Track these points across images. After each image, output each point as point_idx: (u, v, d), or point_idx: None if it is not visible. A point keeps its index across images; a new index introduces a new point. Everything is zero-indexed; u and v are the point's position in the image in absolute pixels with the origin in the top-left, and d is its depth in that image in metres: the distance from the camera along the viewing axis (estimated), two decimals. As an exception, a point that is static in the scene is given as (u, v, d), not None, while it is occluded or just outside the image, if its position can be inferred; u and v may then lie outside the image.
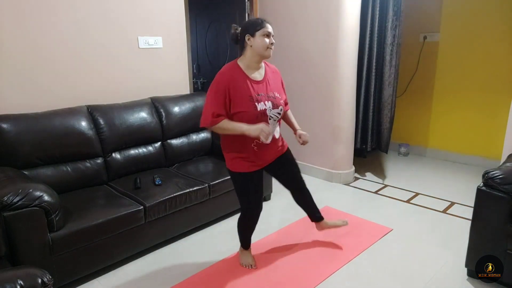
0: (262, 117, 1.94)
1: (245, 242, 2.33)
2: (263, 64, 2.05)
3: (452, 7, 3.92)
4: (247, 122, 1.90)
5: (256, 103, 1.93)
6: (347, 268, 2.30)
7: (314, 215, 2.48)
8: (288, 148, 2.26)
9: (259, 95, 1.95)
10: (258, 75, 2.00)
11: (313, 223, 2.53)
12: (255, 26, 1.91)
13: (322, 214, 2.50)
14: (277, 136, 2.10)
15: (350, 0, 3.26)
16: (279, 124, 2.12)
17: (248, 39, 1.92)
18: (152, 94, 3.18)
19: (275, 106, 2.01)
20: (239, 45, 2.00)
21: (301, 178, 2.35)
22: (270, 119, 1.99)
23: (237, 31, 1.98)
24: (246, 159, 2.03)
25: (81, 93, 2.80)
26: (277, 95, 2.04)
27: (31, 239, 1.86)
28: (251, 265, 2.30)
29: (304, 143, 2.17)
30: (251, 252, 2.37)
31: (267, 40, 1.91)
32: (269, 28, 1.93)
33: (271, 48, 1.94)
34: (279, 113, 2.05)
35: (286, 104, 2.20)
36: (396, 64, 3.53)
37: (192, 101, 3.22)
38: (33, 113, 2.42)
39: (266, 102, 1.96)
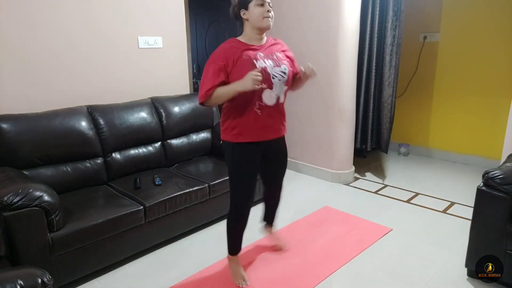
0: (263, 75, 1.78)
1: (236, 243, 2.16)
2: (265, 37, 1.96)
3: (452, 7, 3.92)
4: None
5: (255, 61, 1.83)
6: (346, 268, 2.30)
7: (269, 217, 2.43)
8: (285, 145, 2.17)
9: (257, 54, 1.86)
10: (257, 43, 1.92)
11: (266, 224, 2.48)
12: None
13: (321, 214, 2.50)
14: (281, 99, 1.96)
15: (350, 0, 3.26)
16: (287, 88, 1.97)
17: (243, 13, 1.85)
18: (152, 94, 3.18)
19: (276, 64, 1.88)
20: (238, 23, 1.94)
21: (281, 184, 2.29)
22: (273, 78, 1.86)
23: (235, 8, 1.90)
24: (247, 128, 1.90)
25: (81, 93, 2.80)
26: (279, 55, 1.93)
27: (31, 239, 1.86)
28: (244, 281, 2.11)
29: (308, 73, 1.94)
30: (242, 265, 2.21)
31: (262, 9, 1.81)
32: None
33: (268, 17, 1.83)
34: (284, 72, 1.90)
35: (295, 74, 2.02)
36: (396, 64, 3.53)
37: (192, 101, 3.22)
38: (33, 113, 2.42)
39: (265, 60, 1.86)
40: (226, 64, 1.83)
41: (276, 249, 2.45)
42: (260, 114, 1.89)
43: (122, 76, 3.04)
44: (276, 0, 3.77)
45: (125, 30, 2.98)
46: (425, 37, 4.15)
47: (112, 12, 2.88)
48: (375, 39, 3.62)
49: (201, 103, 1.88)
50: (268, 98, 1.89)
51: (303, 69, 1.94)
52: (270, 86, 1.87)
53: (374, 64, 3.69)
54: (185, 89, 3.51)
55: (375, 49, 3.65)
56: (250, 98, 1.86)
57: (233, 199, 2.05)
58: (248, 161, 1.98)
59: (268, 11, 1.83)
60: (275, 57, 1.92)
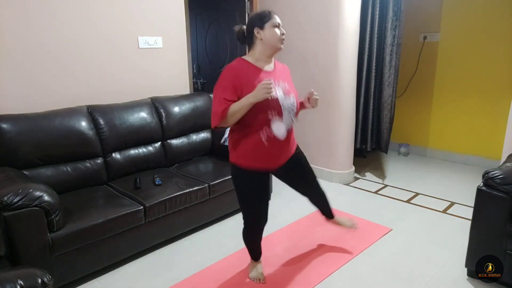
0: (275, 105, 1.79)
1: (254, 252, 2.21)
2: (273, 60, 1.94)
3: (452, 7, 3.92)
4: (257, 112, 1.77)
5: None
6: (346, 268, 2.30)
7: (327, 213, 2.44)
8: (300, 151, 2.13)
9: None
10: (268, 67, 1.89)
11: (328, 218, 2.49)
12: (263, 17, 1.81)
13: (322, 214, 2.49)
14: (289, 130, 1.93)
15: (350, 0, 3.26)
16: (296, 118, 1.95)
17: (258, 32, 1.81)
18: (152, 94, 3.18)
19: (286, 93, 1.86)
20: (247, 42, 1.89)
21: (317, 184, 2.26)
22: (284, 109, 1.84)
23: (243, 29, 1.89)
24: (255, 157, 1.87)
25: (81, 93, 2.80)
26: (287, 85, 1.91)
27: (31, 239, 1.86)
28: (260, 279, 2.16)
29: (312, 102, 1.96)
30: (262, 265, 2.25)
31: (277, 30, 1.81)
32: (278, 19, 1.83)
33: (283, 39, 1.84)
34: (293, 104, 1.88)
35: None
36: (396, 64, 3.53)
37: (192, 101, 3.22)
38: (33, 113, 2.42)
39: (277, 90, 1.82)
40: (235, 87, 1.78)
41: (347, 229, 2.54)
42: (267, 145, 1.84)
43: (122, 76, 3.04)
44: (276, 0, 3.78)
45: (125, 30, 2.98)
46: (425, 37, 4.15)
47: (112, 12, 2.88)
48: (375, 39, 3.62)
49: (215, 127, 1.82)
50: (278, 129, 1.84)
51: (311, 96, 1.96)
52: (280, 116, 1.84)
53: (374, 64, 3.69)
54: (185, 89, 3.52)
55: (375, 49, 3.64)
56: (258, 126, 1.81)
57: (245, 219, 2.06)
58: (254, 186, 1.96)
59: (283, 34, 1.84)
60: (285, 87, 1.88)
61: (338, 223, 2.49)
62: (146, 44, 3.14)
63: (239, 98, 1.77)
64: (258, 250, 2.21)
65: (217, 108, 1.76)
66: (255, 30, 1.83)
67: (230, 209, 2.92)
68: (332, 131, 3.60)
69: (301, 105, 2.02)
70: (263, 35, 1.82)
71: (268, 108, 1.79)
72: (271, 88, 1.69)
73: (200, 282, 2.19)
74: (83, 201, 2.32)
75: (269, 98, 1.73)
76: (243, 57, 1.89)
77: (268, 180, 2.01)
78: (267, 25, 1.81)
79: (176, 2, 3.30)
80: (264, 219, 2.06)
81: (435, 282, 2.15)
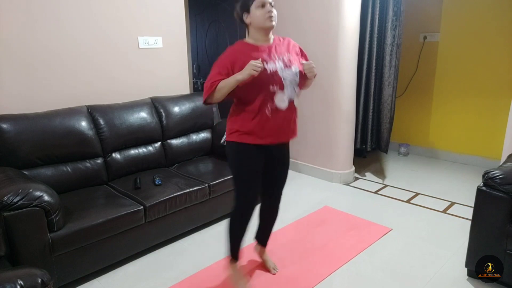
0: (274, 78, 1.78)
1: (235, 249, 2.09)
2: (272, 36, 1.90)
3: (452, 7, 3.92)
4: (259, 88, 1.77)
5: (265, 63, 1.78)
6: (346, 267, 2.30)
7: (263, 238, 2.28)
8: (288, 148, 2.08)
9: (266, 56, 1.82)
10: (265, 44, 1.87)
11: (258, 244, 2.32)
12: (248, 0, 1.80)
13: (321, 214, 2.48)
14: (294, 101, 1.91)
15: (350, 0, 3.27)
16: (299, 89, 1.91)
17: (246, 17, 1.83)
18: (152, 94, 3.18)
19: (287, 66, 1.84)
20: (244, 26, 1.91)
21: (280, 194, 2.14)
22: (284, 80, 1.82)
23: (238, 12, 1.89)
24: (255, 130, 1.84)
25: (81, 93, 2.81)
26: (288, 56, 1.88)
27: (31, 239, 1.86)
28: (246, 286, 2.07)
29: (306, 71, 1.88)
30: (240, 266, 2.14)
31: (263, 10, 1.78)
32: None
33: (271, 17, 1.78)
34: (295, 74, 1.85)
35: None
36: (396, 64, 3.53)
37: (192, 101, 3.22)
38: (33, 113, 2.42)
39: (275, 62, 1.81)
40: (233, 67, 1.79)
41: (265, 267, 2.30)
42: (270, 117, 1.83)
43: (122, 76, 3.04)
44: (276, 0, 3.78)
45: (125, 30, 2.98)
46: (425, 37, 4.15)
47: (112, 12, 2.88)
48: (375, 39, 3.62)
49: (205, 101, 1.85)
50: (281, 100, 1.84)
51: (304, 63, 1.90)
52: (282, 89, 1.83)
53: (374, 64, 3.69)
54: (185, 89, 3.51)
55: (375, 49, 3.65)
56: (260, 100, 1.81)
57: (238, 199, 2.00)
58: (253, 162, 1.93)
59: (269, 11, 1.79)
60: (285, 58, 1.87)
61: (263, 258, 2.32)
62: (146, 44, 3.14)
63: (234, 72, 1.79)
64: (241, 245, 2.09)
65: (207, 83, 1.81)
66: (244, 16, 1.85)
67: (230, 209, 2.90)
68: (332, 131, 3.60)
69: (305, 76, 1.96)
70: (251, 19, 1.82)
71: (269, 82, 1.78)
72: (258, 66, 1.69)
73: (200, 282, 2.19)
74: (83, 201, 2.32)
75: (255, 75, 1.71)
76: (244, 39, 1.92)
77: (263, 157, 1.95)
78: (253, 7, 1.80)
79: (176, 2, 3.30)
80: (256, 202, 2.02)
81: (435, 282, 2.15)
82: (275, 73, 1.80)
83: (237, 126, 1.89)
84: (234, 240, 2.08)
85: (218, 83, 1.78)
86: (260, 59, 1.77)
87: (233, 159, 1.96)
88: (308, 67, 1.87)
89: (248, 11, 1.82)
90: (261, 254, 2.32)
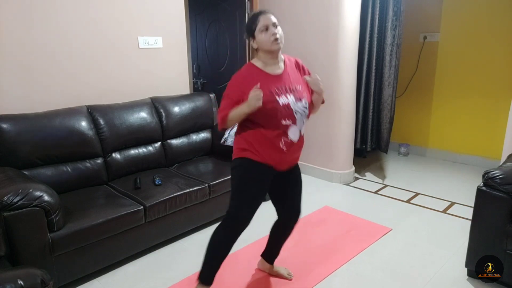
0: (286, 111, 1.76)
1: (212, 271, 1.91)
2: (282, 57, 1.87)
3: (452, 7, 3.92)
4: (270, 119, 1.75)
5: (277, 97, 1.75)
6: (346, 267, 2.30)
7: (272, 255, 2.21)
8: (298, 167, 2.05)
9: (278, 88, 1.78)
10: (277, 70, 1.83)
11: (266, 262, 2.25)
12: (251, 26, 1.78)
13: (321, 214, 2.48)
14: (302, 132, 1.91)
15: (350, 0, 3.26)
16: (307, 119, 1.91)
17: (252, 41, 1.80)
18: (152, 94, 3.18)
19: (298, 99, 1.82)
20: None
21: (300, 207, 2.09)
22: (296, 114, 1.80)
23: (245, 38, 1.88)
24: (268, 157, 1.81)
25: (81, 93, 2.81)
26: (298, 87, 1.85)
27: (31, 239, 1.86)
28: None
29: (311, 83, 1.88)
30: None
31: (267, 34, 1.74)
32: (266, 19, 1.74)
33: (276, 39, 1.74)
34: (305, 107, 1.85)
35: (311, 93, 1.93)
36: (396, 64, 3.53)
37: (192, 101, 3.22)
38: (33, 113, 2.42)
39: (287, 95, 1.78)
40: (244, 93, 1.74)
41: (282, 277, 2.24)
42: (285, 150, 1.82)
43: (122, 76, 3.04)
44: (276, 0, 3.78)
45: (125, 30, 2.98)
46: (425, 37, 4.15)
47: (112, 12, 2.88)
48: (375, 39, 3.62)
49: (221, 129, 1.89)
50: (294, 133, 1.83)
51: (308, 79, 1.89)
52: (294, 122, 1.81)
53: (374, 64, 3.69)
54: (185, 89, 3.51)
55: (375, 49, 3.65)
56: (274, 135, 1.79)
57: (235, 213, 1.88)
58: (259, 180, 1.87)
59: (273, 34, 1.74)
60: (296, 90, 1.83)
61: (273, 271, 2.25)
62: (146, 44, 3.14)
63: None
64: (217, 270, 1.94)
65: (219, 114, 1.82)
66: (250, 40, 1.83)
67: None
68: (332, 131, 3.61)
69: (311, 104, 1.95)
70: (257, 44, 1.80)
71: (282, 116, 1.76)
72: (260, 95, 1.67)
73: (200, 282, 2.18)
74: (83, 201, 2.32)
75: (261, 105, 1.69)
76: (253, 61, 1.87)
77: (270, 180, 1.91)
78: (257, 31, 1.77)
79: (176, 2, 3.30)
80: (249, 222, 1.89)
81: (435, 282, 2.15)
82: (287, 107, 1.78)
83: (251, 148, 1.83)
84: (214, 259, 1.92)
85: (228, 115, 1.78)
86: (258, 85, 1.73)
87: (242, 172, 1.88)
88: (313, 82, 1.86)
89: (253, 36, 1.79)
90: (270, 270, 2.25)
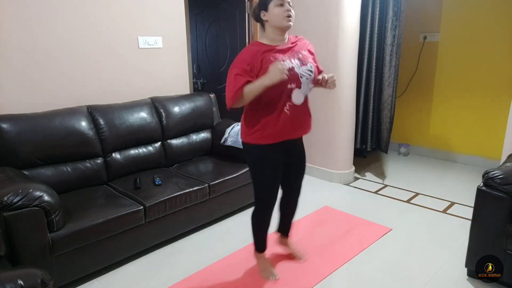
0: (292, 75, 1.79)
1: (261, 242, 2.17)
2: (287, 36, 1.92)
3: (452, 7, 3.92)
4: (278, 86, 1.76)
5: (282, 61, 1.80)
6: (346, 267, 2.30)
7: (284, 228, 2.37)
8: (302, 143, 2.13)
9: (283, 55, 1.84)
10: (282, 45, 1.89)
11: (282, 236, 2.41)
12: None
13: (321, 214, 2.49)
14: (308, 97, 1.95)
15: (350, 0, 3.26)
16: (312, 85, 1.96)
17: (264, 15, 1.82)
18: (152, 94, 3.18)
19: (303, 63, 1.87)
20: (260, 24, 1.91)
21: (300, 186, 2.22)
22: (301, 77, 1.84)
23: (256, 10, 1.88)
24: (274, 129, 1.86)
25: (81, 93, 2.80)
26: (304, 53, 1.92)
27: (31, 239, 1.86)
28: (274, 276, 2.13)
29: (329, 83, 1.95)
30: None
31: (282, 9, 1.78)
32: None
33: (289, 16, 1.80)
34: (311, 71, 1.89)
35: (318, 70, 2.02)
36: (396, 64, 3.53)
37: (192, 101, 3.22)
38: (33, 113, 2.42)
39: (292, 60, 1.84)
40: (252, 68, 1.79)
41: (293, 257, 2.38)
42: (289, 114, 1.86)
43: (122, 77, 3.04)
44: (276, 0, 3.78)
45: (125, 30, 2.98)
46: (425, 37, 4.15)
47: (112, 12, 2.88)
48: (375, 39, 3.62)
49: (230, 107, 1.83)
50: (297, 97, 1.87)
51: (326, 77, 1.94)
52: (299, 86, 1.85)
53: (374, 64, 3.69)
54: (185, 89, 3.51)
55: (375, 49, 3.65)
56: (279, 99, 1.83)
57: (258, 199, 2.05)
58: (273, 162, 1.96)
59: (288, 10, 1.80)
60: (300, 55, 1.90)
61: (289, 248, 2.40)
62: (146, 44, 3.14)
63: (254, 73, 1.78)
64: (266, 239, 2.18)
65: (232, 88, 1.77)
66: (262, 14, 1.84)
67: (230, 209, 2.92)
68: (332, 131, 3.60)
69: (317, 82, 2.00)
70: (268, 17, 1.82)
71: (287, 79, 1.78)
72: (285, 69, 1.69)
73: (200, 282, 2.19)
74: (83, 201, 2.32)
75: (285, 79, 1.72)
76: (259, 39, 1.91)
77: (283, 154, 1.98)
78: (271, 5, 1.80)
79: (176, 2, 3.30)
80: (275, 199, 2.07)
81: (435, 282, 2.15)
82: (292, 70, 1.82)
83: (257, 127, 1.89)
84: (259, 234, 2.16)
85: (243, 88, 1.75)
86: (284, 58, 1.79)
87: (256, 163, 1.98)
88: (332, 81, 1.93)
89: (266, 9, 1.82)
90: (286, 244, 2.40)
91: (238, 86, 1.75)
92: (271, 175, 1.99)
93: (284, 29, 1.85)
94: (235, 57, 1.90)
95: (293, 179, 2.18)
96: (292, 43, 1.93)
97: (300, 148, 2.13)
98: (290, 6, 1.83)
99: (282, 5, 1.79)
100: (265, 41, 1.88)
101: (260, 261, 2.24)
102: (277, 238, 2.44)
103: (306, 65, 1.89)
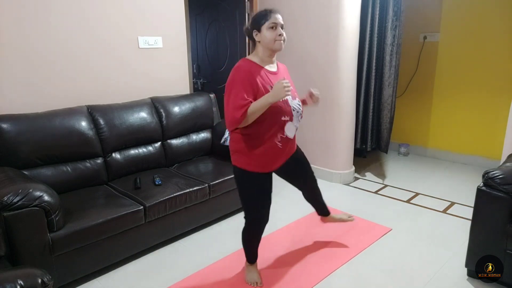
0: (286, 107, 1.84)
1: (252, 255, 2.17)
2: (275, 59, 1.96)
3: (452, 7, 3.92)
4: (271, 115, 1.79)
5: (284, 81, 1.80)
6: (346, 267, 2.30)
7: (322, 210, 2.48)
8: (298, 147, 2.16)
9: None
10: (273, 68, 1.92)
11: (324, 216, 2.54)
12: (260, 20, 1.81)
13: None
14: (296, 129, 1.99)
15: (350, 0, 3.26)
16: (301, 118, 2.00)
17: (256, 34, 1.84)
18: (152, 94, 3.18)
19: (293, 97, 1.92)
20: (251, 41, 1.92)
21: (313, 176, 2.31)
22: (293, 110, 1.89)
23: (248, 28, 1.89)
24: (263, 159, 1.88)
25: (81, 93, 2.80)
26: (291, 88, 1.87)
27: (31, 239, 1.86)
28: (257, 283, 2.14)
29: (314, 99, 2.03)
30: (257, 268, 2.22)
31: (274, 32, 1.80)
32: (277, 18, 1.80)
33: (280, 40, 1.81)
34: (300, 105, 1.95)
35: None
36: (396, 64, 3.53)
37: (192, 101, 3.22)
38: (33, 113, 2.42)
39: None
40: (252, 88, 1.78)
41: (346, 222, 2.60)
42: (280, 147, 1.89)
43: (122, 77, 3.04)
44: (276, 0, 3.78)
45: (125, 30, 2.98)
46: (425, 37, 4.15)
47: (112, 12, 2.88)
48: (375, 39, 3.62)
49: (233, 129, 1.84)
50: (290, 130, 1.90)
51: (313, 92, 2.01)
52: (291, 119, 1.88)
53: (374, 64, 3.69)
54: (185, 89, 3.52)
55: (375, 49, 3.64)
56: (270, 131, 1.84)
57: (250, 216, 2.03)
58: (262, 186, 1.96)
59: (280, 34, 1.81)
60: (290, 88, 1.85)
61: (335, 220, 2.55)
62: (146, 44, 3.14)
63: (254, 98, 1.78)
64: (255, 252, 2.18)
65: (235, 111, 1.73)
66: (254, 33, 1.85)
67: (230, 209, 2.92)
68: (332, 131, 3.60)
69: (303, 103, 2.07)
70: (260, 38, 1.84)
71: (281, 112, 1.83)
72: (289, 87, 1.72)
73: (200, 282, 2.19)
74: (83, 201, 2.32)
75: (285, 98, 1.78)
76: (248, 57, 1.90)
77: (271, 180, 2.01)
78: (264, 27, 1.81)
79: (176, 2, 3.30)
80: (267, 219, 2.05)
81: (435, 282, 2.15)
82: (286, 103, 1.85)
83: (246, 154, 1.88)
84: (250, 248, 2.15)
85: (248, 108, 1.74)
86: (283, 78, 1.82)
87: (242, 185, 1.98)
88: (317, 98, 2.03)
89: (259, 29, 1.83)
90: (332, 219, 2.54)
91: (241, 111, 1.73)
92: (259, 199, 1.99)
93: (273, 52, 1.87)
94: (234, 58, 1.90)
95: (306, 179, 2.26)
96: (279, 69, 1.96)
97: (297, 153, 2.14)
98: (282, 28, 1.84)
99: (274, 28, 1.80)
100: (256, 60, 1.88)
101: (249, 269, 2.20)
102: (321, 219, 2.55)
103: (295, 99, 1.94)
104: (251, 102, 1.75)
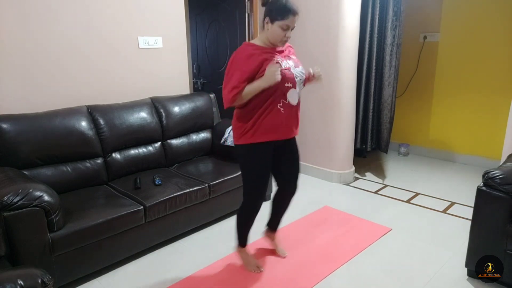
0: (288, 74, 1.90)
1: (244, 238, 2.24)
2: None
3: (452, 7, 3.92)
4: (277, 85, 1.86)
5: (280, 62, 1.89)
6: (346, 267, 2.30)
7: (274, 224, 2.41)
8: (295, 139, 2.18)
9: (280, 57, 1.93)
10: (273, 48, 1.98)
11: (269, 230, 2.45)
12: (278, 14, 1.84)
13: (321, 214, 2.52)
14: (299, 98, 2.03)
15: (350, 0, 3.26)
16: (303, 87, 2.06)
17: (267, 22, 1.88)
18: (152, 94, 3.18)
19: (296, 65, 1.99)
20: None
21: (296, 183, 2.24)
22: (296, 77, 1.94)
23: (265, 10, 1.91)
24: (265, 126, 1.93)
25: (81, 93, 2.80)
26: (293, 57, 2.03)
27: (31, 239, 1.86)
28: (258, 267, 2.22)
29: (316, 77, 2.09)
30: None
31: (283, 33, 1.87)
32: (293, 22, 1.86)
33: (285, 41, 1.92)
34: (303, 72, 2.01)
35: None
36: (396, 64, 3.53)
37: (192, 101, 3.22)
38: (33, 113, 2.42)
39: (288, 61, 1.95)
40: (251, 68, 1.86)
41: (274, 253, 2.44)
42: (282, 112, 1.94)
43: (122, 77, 3.04)
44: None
45: (125, 30, 2.98)
46: (425, 37, 4.15)
47: (112, 12, 2.88)
48: (375, 39, 3.62)
49: (228, 107, 1.92)
50: (293, 97, 1.95)
51: (312, 71, 2.08)
52: (294, 86, 1.94)
53: (374, 64, 3.69)
54: (185, 89, 3.51)
55: (375, 49, 3.65)
56: (274, 97, 1.90)
57: (247, 195, 2.12)
58: (265, 161, 2.04)
59: (287, 36, 1.90)
60: (294, 57, 2.02)
61: (273, 244, 2.45)
62: (146, 44, 3.14)
63: (253, 79, 1.86)
64: (248, 234, 2.24)
65: (229, 92, 1.85)
66: (265, 20, 1.90)
67: (230, 209, 2.92)
68: (332, 131, 3.60)
69: (306, 80, 2.11)
70: (269, 29, 1.89)
71: (284, 78, 1.88)
72: (278, 71, 1.79)
73: (200, 282, 2.19)
74: (83, 201, 2.32)
75: (279, 80, 1.82)
76: (252, 41, 1.98)
77: (271, 152, 2.05)
78: (277, 23, 1.86)
79: (176, 2, 3.30)
80: (265, 195, 2.15)
81: (435, 282, 2.15)
82: (288, 70, 1.91)
83: (249, 126, 1.95)
84: (243, 230, 2.22)
85: (243, 90, 1.84)
86: (279, 58, 1.88)
87: (246, 160, 2.06)
88: (320, 74, 2.07)
89: (271, 21, 1.87)
90: (272, 239, 2.45)
91: (238, 89, 1.84)
92: (260, 173, 2.07)
93: (274, 46, 1.95)
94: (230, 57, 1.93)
95: (291, 176, 2.21)
96: (285, 48, 2.04)
97: (293, 145, 2.17)
98: (292, 30, 1.91)
99: (286, 29, 1.87)
100: (258, 43, 1.95)
101: (243, 256, 2.29)
102: (264, 231, 2.48)
103: (299, 67, 2.01)
104: (245, 84, 1.84)
